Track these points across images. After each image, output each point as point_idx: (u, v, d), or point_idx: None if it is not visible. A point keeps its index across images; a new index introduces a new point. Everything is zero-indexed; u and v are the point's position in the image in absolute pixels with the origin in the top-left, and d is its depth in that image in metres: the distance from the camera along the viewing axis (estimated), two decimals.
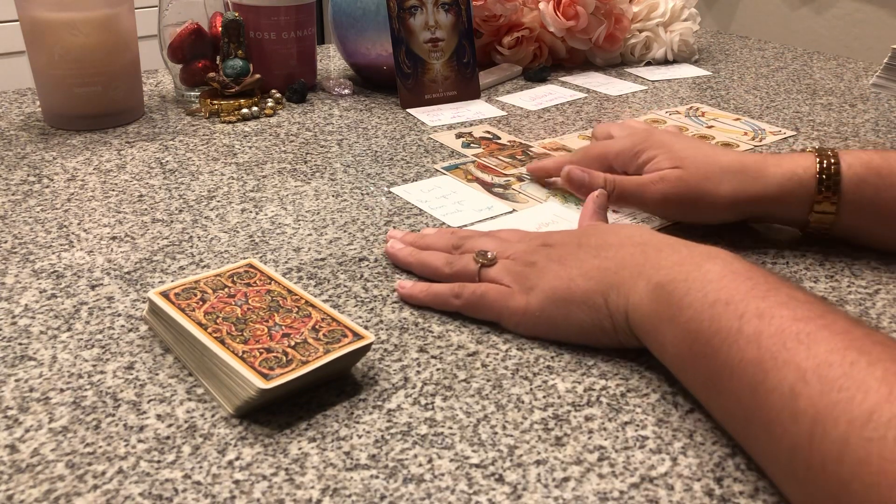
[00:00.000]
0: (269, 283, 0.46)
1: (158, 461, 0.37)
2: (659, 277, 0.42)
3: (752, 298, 0.37)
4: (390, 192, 0.67)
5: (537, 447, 0.38)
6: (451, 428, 0.40)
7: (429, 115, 0.87)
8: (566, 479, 0.36)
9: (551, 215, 0.63)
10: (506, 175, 0.71)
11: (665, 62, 1.13)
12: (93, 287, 0.51)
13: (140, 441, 0.38)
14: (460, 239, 0.52)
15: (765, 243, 0.59)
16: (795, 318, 0.35)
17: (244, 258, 0.55)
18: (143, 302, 0.50)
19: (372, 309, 0.50)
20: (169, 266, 0.54)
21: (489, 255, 0.49)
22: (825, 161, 0.55)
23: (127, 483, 0.36)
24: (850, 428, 0.30)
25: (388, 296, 0.51)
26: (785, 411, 0.33)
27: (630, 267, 0.44)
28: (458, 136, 0.81)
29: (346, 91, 0.94)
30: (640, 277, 0.43)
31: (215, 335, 0.41)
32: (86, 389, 0.42)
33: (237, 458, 0.37)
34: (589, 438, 0.39)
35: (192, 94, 0.90)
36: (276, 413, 0.40)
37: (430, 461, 0.37)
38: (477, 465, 0.37)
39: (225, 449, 0.38)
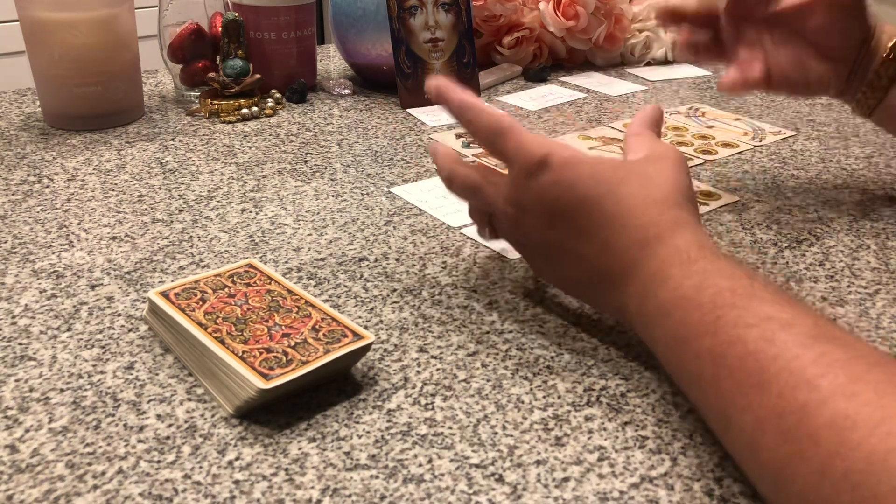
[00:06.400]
0: (269, 283, 0.46)
1: (158, 461, 0.37)
2: (623, 302, 0.42)
3: (703, 335, 0.36)
4: (390, 192, 0.67)
5: (537, 447, 0.38)
6: (451, 428, 0.40)
7: (429, 115, 0.87)
8: (566, 480, 0.36)
9: None
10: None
11: (665, 62, 1.12)
12: (93, 287, 0.51)
13: (140, 441, 0.38)
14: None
15: (765, 243, 0.59)
16: (748, 353, 0.34)
17: (244, 258, 0.55)
18: (143, 302, 0.50)
19: (372, 309, 0.50)
20: (169, 266, 0.54)
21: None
22: None
23: (127, 483, 0.36)
24: (806, 485, 0.30)
25: (388, 296, 0.51)
26: (752, 462, 0.34)
27: (597, 283, 0.44)
28: (459, 136, 0.81)
29: (346, 91, 0.94)
30: (609, 302, 0.44)
31: (215, 335, 0.41)
32: (86, 389, 0.42)
33: (237, 458, 0.37)
34: (589, 438, 0.39)
35: (192, 94, 0.90)
36: (276, 413, 0.40)
37: (430, 461, 0.37)
38: (477, 465, 0.37)
39: (225, 449, 0.38)
